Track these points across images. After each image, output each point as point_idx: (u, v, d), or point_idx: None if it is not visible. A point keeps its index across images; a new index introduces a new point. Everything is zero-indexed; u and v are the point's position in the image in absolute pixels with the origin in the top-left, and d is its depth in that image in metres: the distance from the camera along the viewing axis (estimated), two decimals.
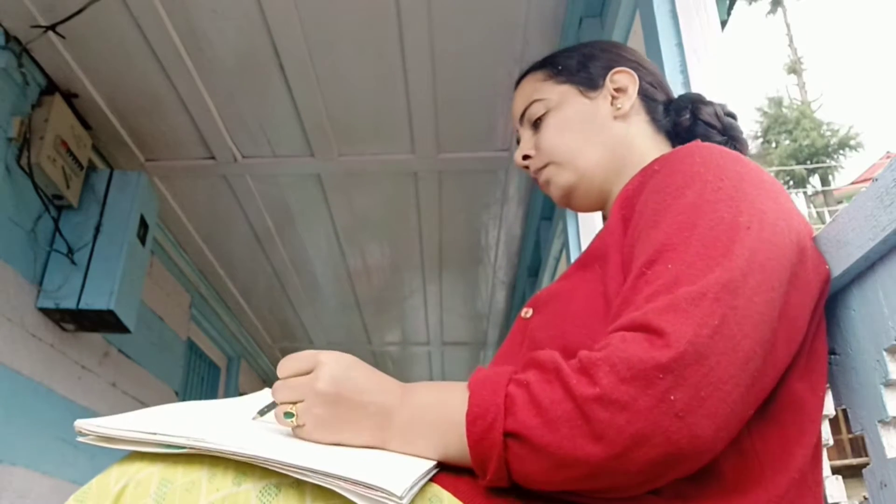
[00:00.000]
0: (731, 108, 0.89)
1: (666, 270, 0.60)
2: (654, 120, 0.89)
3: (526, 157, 0.92)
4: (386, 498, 0.51)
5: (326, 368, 0.60)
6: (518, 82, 0.96)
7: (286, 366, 0.62)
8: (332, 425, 0.60)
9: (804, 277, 0.65)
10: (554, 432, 0.55)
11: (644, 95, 0.88)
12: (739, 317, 0.57)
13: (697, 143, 0.77)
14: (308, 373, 0.61)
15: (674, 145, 0.89)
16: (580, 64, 0.90)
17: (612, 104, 0.87)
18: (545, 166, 0.89)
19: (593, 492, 0.58)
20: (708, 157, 0.69)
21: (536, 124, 0.90)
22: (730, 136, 0.86)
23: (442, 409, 0.61)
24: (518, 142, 0.94)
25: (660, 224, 0.64)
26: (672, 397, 0.53)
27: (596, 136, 0.86)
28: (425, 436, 0.60)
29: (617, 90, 0.87)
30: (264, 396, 0.80)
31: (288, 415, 0.60)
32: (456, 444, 0.59)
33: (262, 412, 0.66)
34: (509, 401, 0.57)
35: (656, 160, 0.75)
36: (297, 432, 0.61)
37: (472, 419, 0.57)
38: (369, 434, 0.61)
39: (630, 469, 0.54)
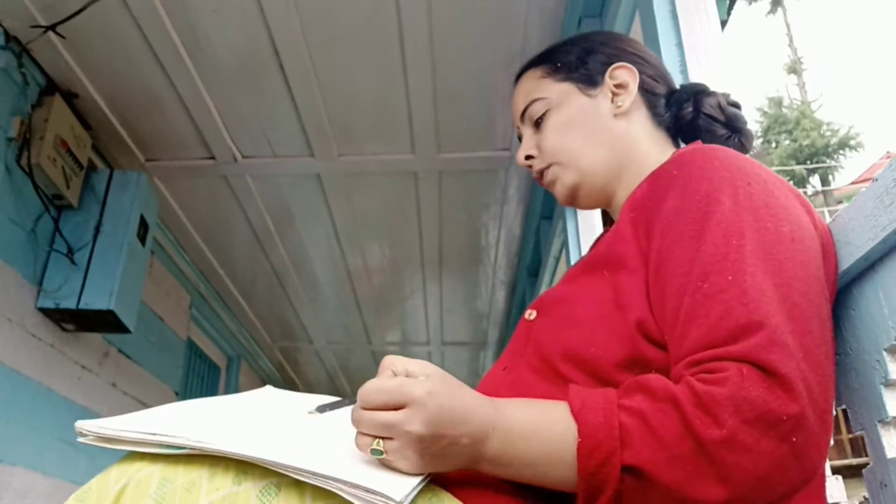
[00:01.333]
0: (734, 97, 0.88)
1: (728, 283, 0.60)
2: (656, 115, 0.88)
3: (528, 157, 0.91)
4: (385, 502, 0.51)
5: (423, 412, 0.54)
6: (517, 78, 0.95)
7: (374, 395, 0.55)
8: (424, 463, 0.56)
9: (827, 276, 0.66)
10: (677, 470, 0.54)
11: (645, 90, 0.87)
12: (817, 339, 0.59)
13: (700, 144, 0.77)
14: (398, 407, 0.55)
15: (675, 140, 0.88)
16: (579, 59, 0.89)
17: (612, 101, 0.86)
18: (548, 167, 0.88)
19: None
20: (725, 160, 0.69)
21: (537, 123, 0.89)
22: (734, 127, 0.86)
23: (545, 436, 0.58)
24: (520, 139, 0.94)
25: (704, 234, 0.64)
26: (794, 439, 0.54)
27: (598, 136, 0.85)
28: (525, 464, 0.58)
29: (617, 87, 0.87)
30: (264, 393, 0.80)
31: (376, 452, 0.55)
32: (561, 473, 0.57)
33: (321, 409, 0.65)
34: (624, 431, 0.56)
35: (670, 162, 0.74)
36: (379, 460, 0.56)
37: (587, 452, 0.56)
38: (461, 464, 0.58)
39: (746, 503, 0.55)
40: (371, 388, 0.56)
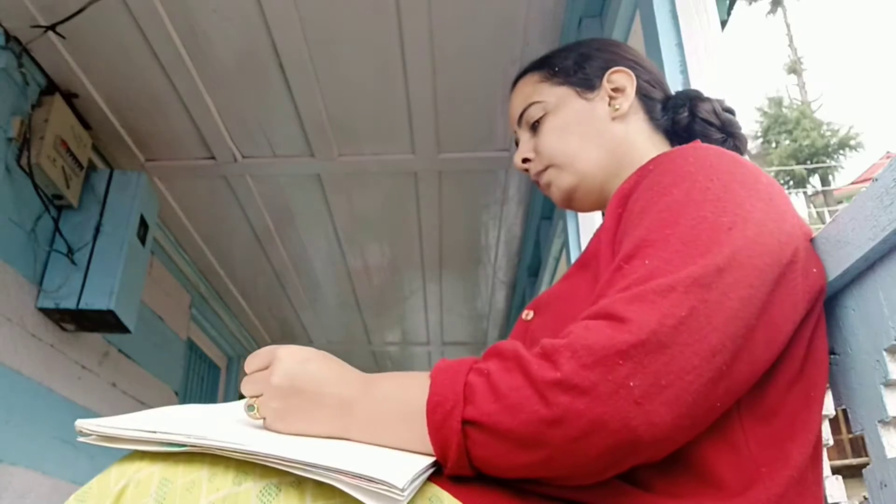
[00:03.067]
0: (728, 103, 0.89)
1: (642, 265, 0.60)
2: (653, 119, 0.88)
3: (525, 161, 0.92)
4: (387, 491, 0.51)
5: (280, 364, 0.63)
6: (515, 83, 0.95)
7: (250, 361, 0.66)
8: (289, 416, 0.62)
9: (793, 279, 0.64)
10: (513, 417, 0.55)
11: (642, 94, 0.88)
12: (710, 311, 0.57)
13: (697, 143, 0.77)
14: (266, 367, 0.64)
15: (673, 144, 0.89)
16: (577, 64, 0.90)
17: (610, 105, 0.87)
18: (545, 169, 0.89)
19: (554, 479, 0.58)
20: (702, 157, 0.69)
21: (535, 126, 0.90)
22: (728, 132, 0.86)
23: (403, 399, 0.61)
24: (517, 143, 0.94)
25: (643, 220, 0.65)
26: (631, 384, 0.54)
27: (595, 138, 0.86)
28: (387, 425, 0.61)
29: (615, 90, 0.87)
30: None
31: (250, 407, 0.63)
32: (417, 433, 0.59)
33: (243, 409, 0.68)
34: (469, 389, 0.58)
35: (652, 160, 0.75)
36: (264, 425, 0.63)
37: (432, 408, 0.58)
38: (328, 424, 0.62)
39: (589, 453, 0.55)
40: (249, 356, 0.66)
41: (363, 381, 0.64)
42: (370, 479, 0.51)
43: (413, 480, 0.54)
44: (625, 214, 0.71)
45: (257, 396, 0.63)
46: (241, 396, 0.67)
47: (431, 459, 0.59)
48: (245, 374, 0.66)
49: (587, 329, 0.57)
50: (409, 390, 0.61)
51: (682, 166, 0.68)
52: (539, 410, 0.54)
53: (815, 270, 0.68)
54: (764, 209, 0.64)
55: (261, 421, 0.64)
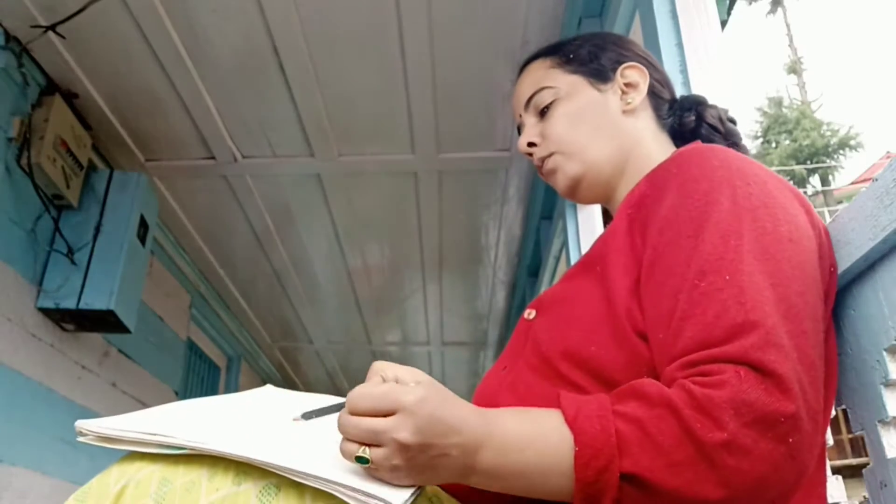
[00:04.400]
0: (731, 113, 0.90)
1: (725, 282, 0.60)
2: (659, 117, 0.89)
3: (531, 144, 0.90)
4: None
5: (413, 419, 0.53)
6: (524, 67, 0.94)
7: (363, 401, 0.54)
8: (411, 475, 0.54)
9: (824, 277, 0.66)
10: (677, 476, 0.53)
11: (652, 93, 0.89)
12: (812, 340, 0.59)
13: (699, 143, 0.77)
14: (387, 414, 0.53)
15: (677, 145, 0.89)
16: (591, 54, 0.89)
17: (622, 99, 0.87)
18: (551, 155, 0.88)
19: None
20: (725, 160, 0.69)
21: (543, 112, 0.89)
22: (731, 141, 0.87)
23: (539, 447, 0.57)
24: (519, 129, 0.93)
25: (701, 232, 0.64)
26: (790, 440, 0.54)
27: (605, 130, 0.86)
28: (518, 475, 0.57)
29: (627, 85, 0.87)
30: (264, 392, 0.80)
31: (361, 459, 0.53)
32: (556, 483, 0.56)
33: (306, 416, 0.62)
34: (621, 439, 0.55)
35: (668, 162, 0.74)
36: (364, 468, 0.55)
37: (584, 461, 0.55)
38: (448, 475, 0.56)
39: None
40: (359, 394, 0.54)
41: (484, 422, 0.57)
42: (367, 495, 0.51)
43: (410, 498, 0.53)
44: (649, 221, 0.70)
45: (370, 445, 0.54)
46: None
47: None
48: (349, 412, 0.55)
49: (741, 381, 0.55)
50: (546, 436, 0.57)
51: (713, 170, 0.68)
52: (705, 473, 0.53)
53: (832, 263, 0.70)
54: (798, 209, 0.67)
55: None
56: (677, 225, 0.66)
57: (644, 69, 0.88)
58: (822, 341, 0.61)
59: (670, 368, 0.60)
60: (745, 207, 0.64)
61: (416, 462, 0.53)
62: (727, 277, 0.60)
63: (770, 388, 0.54)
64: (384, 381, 0.56)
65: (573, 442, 0.56)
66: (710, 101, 0.90)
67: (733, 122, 0.89)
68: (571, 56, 0.89)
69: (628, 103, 0.86)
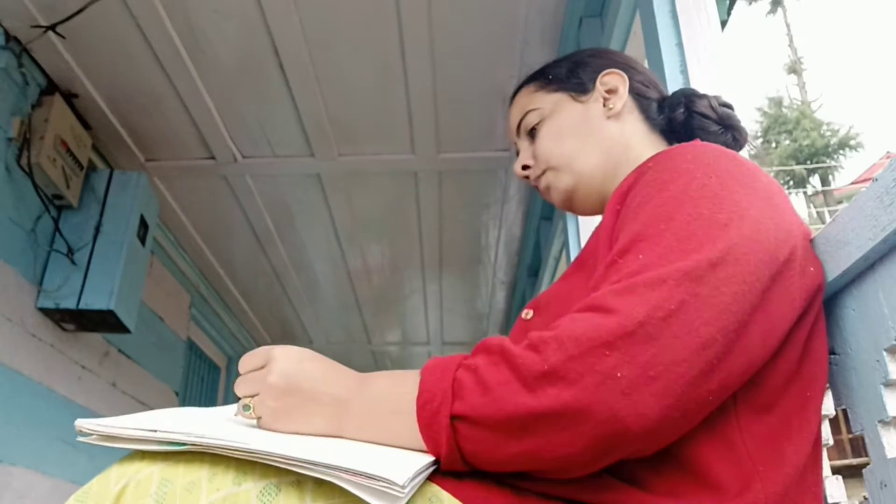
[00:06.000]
0: (725, 98, 0.90)
1: (636, 259, 0.61)
2: (649, 118, 0.89)
3: (525, 168, 0.93)
4: (387, 488, 0.51)
5: (277, 363, 0.63)
6: (512, 98, 0.97)
7: (244, 361, 0.65)
8: (286, 415, 0.62)
9: (789, 277, 0.64)
10: (500, 409, 0.56)
11: (636, 94, 0.89)
12: (700, 304, 0.57)
13: (696, 142, 0.77)
14: (262, 367, 0.64)
15: (670, 143, 0.89)
16: (570, 71, 0.92)
17: (604, 105, 0.88)
18: (543, 172, 0.90)
19: (545, 471, 0.58)
20: (700, 154, 0.69)
21: (532, 134, 0.91)
22: (727, 125, 0.87)
23: (395, 396, 0.62)
24: (518, 154, 0.95)
25: (639, 215, 0.65)
26: (618, 374, 0.54)
27: (591, 138, 0.87)
28: (380, 423, 0.61)
29: (608, 91, 0.89)
30: None
31: (246, 407, 0.63)
32: (410, 429, 0.60)
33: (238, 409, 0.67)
34: (457, 385, 0.59)
35: (651, 157, 0.75)
36: (259, 424, 0.63)
37: (422, 404, 0.59)
38: (324, 422, 0.62)
39: (576, 444, 0.55)
40: (244, 356, 0.66)
41: (358, 380, 0.64)
42: (370, 477, 0.51)
43: (413, 478, 0.54)
44: (622, 210, 0.71)
45: (252, 396, 0.63)
46: (237, 399, 0.67)
47: (431, 458, 0.59)
48: (239, 375, 0.66)
49: (574, 321, 0.57)
50: (401, 387, 0.62)
51: (681, 163, 0.68)
52: (526, 402, 0.55)
53: (812, 269, 0.68)
54: (761, 207, 0.64)
55: (255, 420, 0.64)
56: (629, 210, 0.68)
57: (622, 73, 0.89)
58: (738, 319, 0.58)
59: None
60: (692, 196, 0.64)
61: (286, 403, 0.62)
62: (640, 256, 0.61)
63: (599, 324, 0.55)
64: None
65: (419, 390, 0.60)
66: (701, 92, 0.90)
67: (728, 106, 0.88)
68: (551, 77, 0.92)
69: (610, 108, 0.87)
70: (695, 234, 0.61)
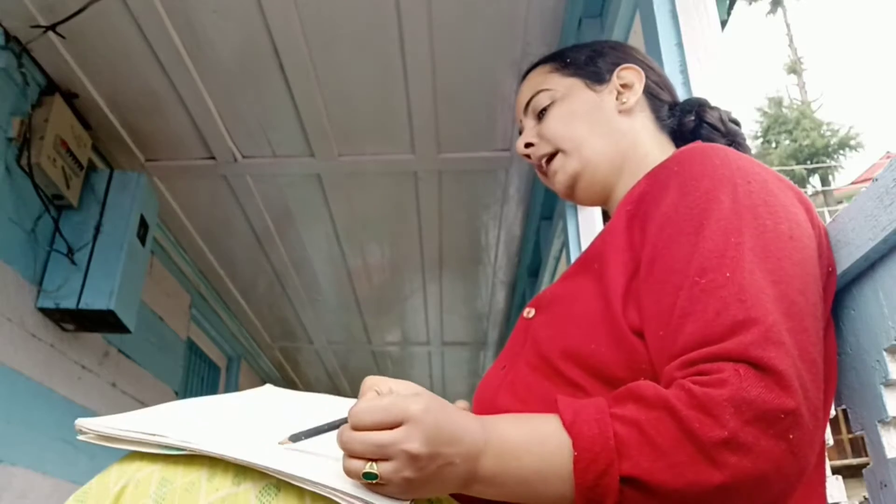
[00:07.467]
0: (735, 115, 0.90)
1: (725, 279, 0.60)
2: (658, 119, 0.89)
3: (528, 146, 0.92)
4: None
5: (419, 427, 0.52)
6: (525, 75, 0.96)
7: (366, 418, 0.52)
8: (422, 485, 0.54)
9: (821, 273, 0.66)
10: (678, 477, 0.53)
11: (649, 94, 0.89)
12: (810, 337, 0.59)
13: (700, 143, 0.77)
14: (393, 426, 0.52)
15: (677, 145, 0.89)
16: (589, 59, 0.91)
17: (617, 99, 0.88)
18: (552, 156, 0.89)
19: None
20: (725, 158, 0.69)
21: (541, 115, 0.91)
22: (733, 141, 0.87)
23: (538, 452, 0.56)
24: (520, 133, 0.95)
25: (702, 230, 0.64)
26: (791, 436, 0.54)
27: (600, 128, 0.87)
28: (519, 482, 0.57)
29: (623, 86, 0.89)
30: (264, 392, 0.80)
31: (369, 476, 0.52)
32: (556, 489, 0.56)
33: (294, 438, 0.58)
34: (619, 442, 0.55)
35: (670, 160, 0.75)
36: (381, 491, 0.53)
37: (584, 466, 0.55)
38: (455, 486, 0.56)
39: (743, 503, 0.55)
40: (363, 408, 0.53)
41: (483, 429, 0.57)
42: (366, 502, 0.51)
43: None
44: (649, 218, 0.70)
45: (377, 460, 0.52)
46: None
47: None
48: (349, 425, 0.54)
49: (740, 379, 0.55)
50: (545, 442, 0.57)
51: (714, 168, 0.68)
52: (706, 471, 0.53)
53: (830, 263, 0.70)
54: (798, 208, 0.67)
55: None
56: (678, 222, 0.66)
57: (640, 70, 0.89)
58: (821, 339, 0.61)
59: (670, 367, 0.60)
60: (746, 205, 0.64)
61: (425, 473, 0.53)
62: (728, 275, 0.60)
63: (770, 385, 0.54)
64: (379, 395, 0.55)
65: (571, 446, 0.55)
66: (713, 104, 0.91)
67: (736, 122, 0.89)
68: (569, 60, 0.91)
69: (623, 103, 0.87)
70: (768, 249, 0.62)
